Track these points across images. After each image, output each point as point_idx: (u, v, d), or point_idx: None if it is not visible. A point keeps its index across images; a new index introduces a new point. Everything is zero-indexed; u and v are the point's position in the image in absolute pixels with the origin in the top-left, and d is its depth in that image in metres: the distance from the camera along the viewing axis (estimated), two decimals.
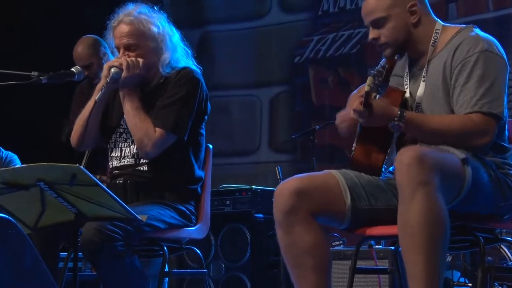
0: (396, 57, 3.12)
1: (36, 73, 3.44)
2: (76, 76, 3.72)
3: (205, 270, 3.79)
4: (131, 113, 3.63)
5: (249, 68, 7.82)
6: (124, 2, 3.80)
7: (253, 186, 5.74)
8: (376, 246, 4.55)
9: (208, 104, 3.78)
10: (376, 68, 2.97)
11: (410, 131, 3.12)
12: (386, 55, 3.25)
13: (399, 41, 3.22)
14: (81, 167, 3.02)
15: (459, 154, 3.01)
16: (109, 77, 3.58)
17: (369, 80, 2.96)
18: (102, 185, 3.07)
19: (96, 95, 3.60)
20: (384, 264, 4.39)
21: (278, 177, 4.99)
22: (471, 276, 4.47)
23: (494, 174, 3.08)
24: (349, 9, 7.43)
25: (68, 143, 4.62)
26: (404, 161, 2.85)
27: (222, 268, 5.57)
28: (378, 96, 2.97)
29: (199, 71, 3.78)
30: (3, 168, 3.09)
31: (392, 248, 4.37)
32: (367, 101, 2.98)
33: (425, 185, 2.80)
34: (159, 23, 3.75)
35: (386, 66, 2.95)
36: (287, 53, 7.70)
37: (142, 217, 3.26)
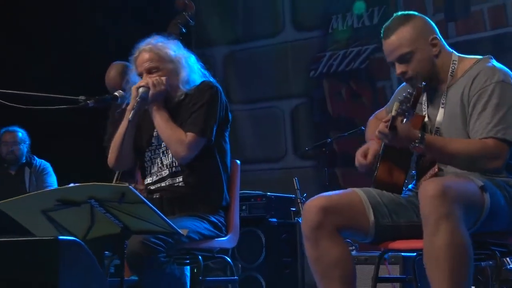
0: (423, 85, 3.09)
1: (83, 97, 3.42)
2: (120, 100, 3.70)
3: (236, 277, 3.76)
4: (163, 125, 3.63)
5: (269, 82, 7.81)
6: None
7: (268, 193, 5.73)
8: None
9: (229, 113, 3.78)
10: (404, 95, 2.96)
11: (430, 152, 3.10)
12: (415, 85, 3.21)
13: (425, 73, 3.20)
14: (130, 186, 3.00)
15: (478, 181, 2.99)
16: (138, 97, 3.60)
17: (396, 105, 2.96)
18: (149, 203, 3.04)
19: (128, 115, 3.61)
20: (395, 269, 4.36)
21: (296, 188, 4.95)
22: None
23: (508, 195, 3.07)
24: (356, 27, 7.40)
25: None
26: (428, 193, 2.84)
27: (239, 269, 5.57)
28: (405, 120, 2.95)
29: (217, 83, 3.78)
30: (59, 187, 3.06)
31: (403, 254, 4.33)
32: (392, 124, 2.95)
33: (448, 217, 2.80)
34: (175, 47, 3.81)
35: (414, 93, 2.93)
36: (303, 68, 7.67)
37: (183, 231, 3.24)
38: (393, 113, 2.94)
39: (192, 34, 4.81)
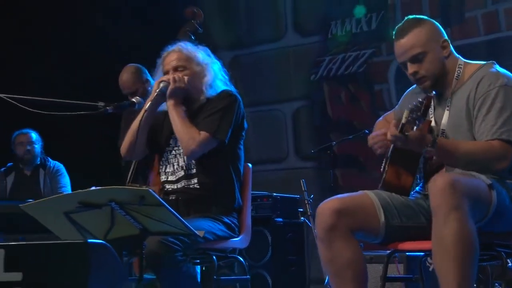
0: (433, 94, 3.11)
1: (102, 103, 3.45)
2: (137, 105, 3.72)
3: (248, 276, 3.79)
4: (177, 120, 3.64)
5: (272, 85, 7.83)
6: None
7: (274, 193, 5.74)
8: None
9: (245, 121, 3.79)
10: (414, 103, 2.95)
11: (440, 155, 3.11)
12: (426, 86, 3.25)
13: (436, 73, 3.22)
14: (150, 190, 3.03)
15: (486, 179, 3.02)
16: (158, 89, 3.63)
17: (406, 113, 2.95)
18: (168, 206, 3.06)
19: (146, 106, 3.64)
20: (400, 268, 4.38)
21: (303, 189, 4.97)
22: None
23: None
24: (355, 32, 7.43)
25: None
26: (438, 186, 2.86)
27: (245, 266, 5.57)
28: (415, 128, 2.94)
29: (237, 93, 3.81)
30: (80, 190, 3.08)
31: (407, 254, 4.35)
32: (402, 131, 2.97)
33: (457, 209, 2.82)
34: (204, 52, 3.84)
35: (425, 102, 2.91)
36: (304, 72, 7.70)
37: (199, 233, 3.27)
38: (403, 120, 2.94)
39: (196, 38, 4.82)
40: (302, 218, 5.52)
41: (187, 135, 3.60)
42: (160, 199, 3.05)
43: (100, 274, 2.46)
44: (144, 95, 5.01)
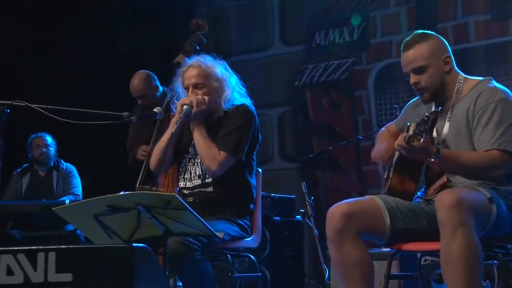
0: (439, 109, 3.16)
1: (126, 113, 3.48)
2: (158, 115, 3.77)
3: (259, 273, 3.84)
4: (201, 141, 3.69)
5: (259, 91, 7.86)
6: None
7: (272, 194, 5.78)
8: (384, 249, 4.56)
9: (260, 134, 3.83)
10: (422, 117, 3.00)
11: (443, 165, 3.17)
12: (425, 97, 3.31)
13: (436, 86, 3.28)
14: (176, 195, 3.07)
15: (486, 193, 3.09)
16: (182, 113, 3.65)
17: (413, 126, 3.00)
18: (192, 210, 3.11)
19: (172, 128, 3.67)
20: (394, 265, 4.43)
21: (304, 191, 5.02)
22: None
23: (509, 202, 3.17)
24: (337, 42, 7.51)
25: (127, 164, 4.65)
26: (446, 203, 2.93)
27: (245, 262, 5.63)
28: (422, 139, 2.98)
29: (253, 106, 3.84)
30: (110, 195, 3.12)
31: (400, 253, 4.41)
32: (409, 142, 3.02)
33: (464, 225, 2.90)
34: (221, 68, 3.84)
35: (432, 117, 2.97)
36: (288, 78, 7.75)
37: (219, 234, 3.32)
38: (411, 132, 2.99)
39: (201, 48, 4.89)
40: (297, 216, 5.57)
41: (209, 154, 3.64)
42: (185, 204, 3.09)
43: (143, 276, 2.49)
44: (152, 99, 5.09)
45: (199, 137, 3.69)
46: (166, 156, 3.75)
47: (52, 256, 2.48)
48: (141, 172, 4.60)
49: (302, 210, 4.88)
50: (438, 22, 6.94)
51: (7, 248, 2.52)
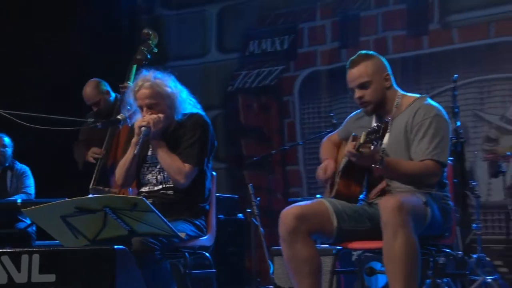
0: (389, 119, 3.25)
1: (92, 119, 3.47)
2: (122, 122, 3.76)
3: (214, 270, 3.90)
4: (164, 157, 3.70)
5: (195, 94, 7.89)
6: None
7: (216, 194, 5.78)
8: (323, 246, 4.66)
9: (215, 141, 3.88)
10: (373, 126, 3.11)
11: (385, 171, 3.30)
12: (368, 110, 3.46)
13: (378, 100, 3.43)
14: (144, 198, 3.10)
15: (422, 197, 3.26)
16: (141, 135, 3.67)
17: (364, 135, 3.11)
18: (158, 212, 3.14)
19: (133, 149, 3.69)
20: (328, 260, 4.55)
21: (250, 192, 5.09)
22: None
23: (441, 206, 3.36)
24: (269, 51, 7.64)
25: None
26: (389, 206, 3.08)
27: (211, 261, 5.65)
28: (372, 147, 3.08)
29: (206, 116, 3.88)
30: (79, 198, 3.12)
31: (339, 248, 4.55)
32: (358, 148, 3.13)
33: (404, 226, 3.05)
34: (171, 83, 3.82)
35: (383, 126, 3.06)
36: (223, 84, 7.83)
37: (181, 234, 3.36)
38: (362, 141, 3.11)
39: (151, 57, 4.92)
40: (239, 215, 5.63)
41: (174, 168, 3.66)
42: (152, 206, 3.12)
43: (123, 276, 2.52)
44: (106, 104, 5.08)
45: (162, 154, 3.71)
46: (130, 173, 3.79)
47: (36, 258, 2.49)
48: (94, 174, 4.59)
49: (249, 210, 4.96)
50: (360, 36, 7.15)
51: None
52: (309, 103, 7.43)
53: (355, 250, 3.76)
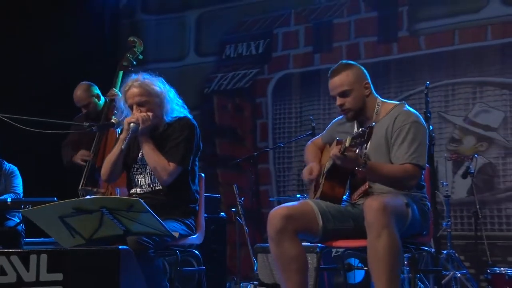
0: (373, 124, 3.27)
1: (87, 123, 3.48)
2: (115, 126, 3.78)
3: (203, 267, 3.93)
4: (150, 153, 3.73)
5: None
6: None
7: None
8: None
9: (201, 143, 3.93)
10: (358, 131, 3.18)
11: (368, 174, 3.39)
12: (349, 117, 3.53)
13: (358, 107, 3.52)
14: (140, 200, 3.13)
15: (403, 198, 3.35)
16: (130, 131, 3.70)
17: (349, 139, 3.18)
18: (153, 213, 3.18)
19: (121, 144, 3.71)
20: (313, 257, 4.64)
21: (235, 192, 5.11)
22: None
23: (420, 207, 3.45)
24: (245, 55, 7.70)
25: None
26: (373, 207, 3.16)
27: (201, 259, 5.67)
28: (357, 151, 3.16)
29: (193, 119, 3.92)
30: (76, 199, 3.14)
31: (319, 245, 4.63)
32: (344, 152, 3.21)
33: (388, 226, 3.13)
34: (159, 83, 3.87)
35: (367, 131, 3.11)
36: (199, 86, 7.88)
37: (175, 234, 3.40)
38: (347, 144, 3.19)
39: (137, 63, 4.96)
40: (222, 213, 5.67)
41: (159, 166, 3.69)
42: (148, 207, 3.15)
43: (127, 275, 2.56)
44: (96, 106, 5.08)
45: (148, 151, 3.74)
46: (116, 168, 3.79)
47: (44, 257, 2.51)
48: (84, 175, 4.60)
49: (234, 210, 5.00)
50: (333, 41, 7.26)
51: (1, 251, 2.52)
52: (281, 104, 7.52)
53: (340, 248, 3.82)
